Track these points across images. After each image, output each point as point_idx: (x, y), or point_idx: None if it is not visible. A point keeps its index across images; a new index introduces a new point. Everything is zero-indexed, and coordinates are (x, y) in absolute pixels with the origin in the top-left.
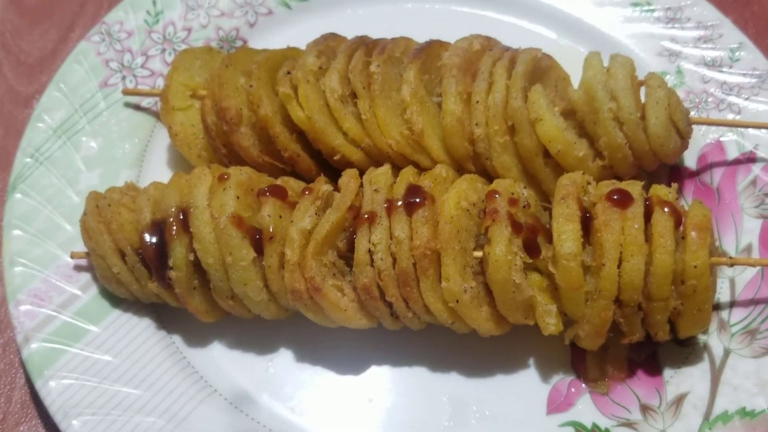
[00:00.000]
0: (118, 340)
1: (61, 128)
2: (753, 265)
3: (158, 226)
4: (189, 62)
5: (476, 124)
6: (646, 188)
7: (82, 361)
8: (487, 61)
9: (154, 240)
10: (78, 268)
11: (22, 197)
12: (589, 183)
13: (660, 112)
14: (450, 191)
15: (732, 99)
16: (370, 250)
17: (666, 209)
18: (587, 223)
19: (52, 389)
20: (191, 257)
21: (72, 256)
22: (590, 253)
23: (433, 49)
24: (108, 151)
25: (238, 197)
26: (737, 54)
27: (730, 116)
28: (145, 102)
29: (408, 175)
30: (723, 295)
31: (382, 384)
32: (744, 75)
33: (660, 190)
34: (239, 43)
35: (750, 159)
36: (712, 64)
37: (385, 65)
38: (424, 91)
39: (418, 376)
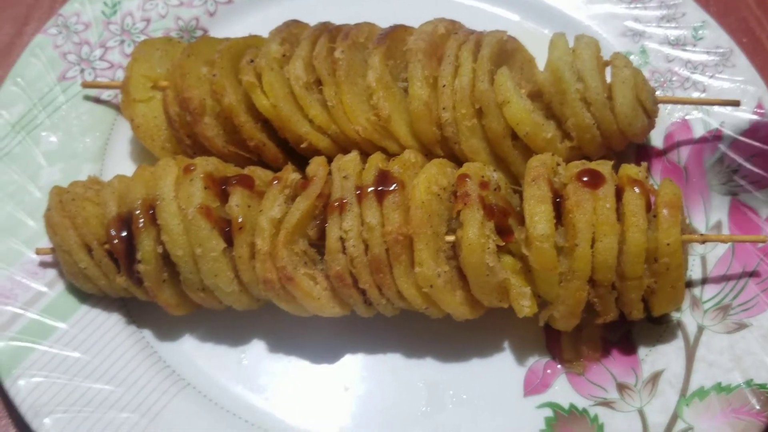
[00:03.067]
0: (87, 336)
1: (19, 123)
2: (724, 242)
3: (124, 220)
4: (149, 53)
5: (443, 109)
6: (615, 168)
7: (51, 358)
8: (453, 45)
9: (120, 234)
10: (43, 265)
11: None
12: (558, 164)
13: (626, 91)
14: (420, 176)
15: (696, 77)
16: (341, 238)
17: (636, 188)
18: (558, 205)
19: (22, 388)
20: (159, 250)
21: (37, 253)
22: (562, 234)
23: (397, 33)
24: (69, 145)
25: (205, 187)
26: (700, 32)
27: (695, 94)
28: (105, 94)
29: (376, 161)
30: (695, 272)
31: (358, 372)
32: (707, 53)
33: (630, 170)
34: (199, 33)
35: (716, 137)
36: (676, 43)
37: (350, 51)
38: (389, 77)
39: (393, 362)
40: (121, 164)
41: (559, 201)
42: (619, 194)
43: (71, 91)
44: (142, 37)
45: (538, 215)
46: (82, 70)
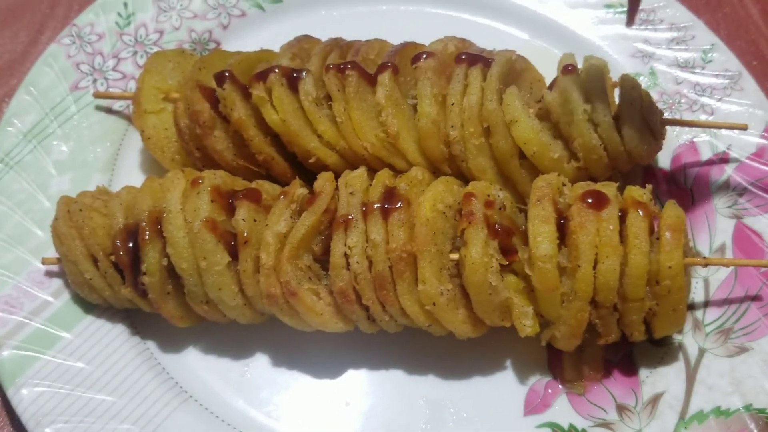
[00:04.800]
0: (91, 346)
1: (31, 132)
2: (726, 265)
3: (131, 231)
4: (161, 65)
5: (452, 127)
6: (621, 189)
7: (55, 368)
8: (462, 63)
9: (126, 245)
10: (49, 274)
11: None
12: (564, 184)
13: (634, 113)
14: (426, 193)
15: (705, 100)
16: (346, 254)
17: (640, 211)
18: (563, 225)
19: (24, 397)
20: (165, 262)
21: (43, 262)
22: (566, 254)
23: (407, 51)
24: (79, 155)
25: (212, 201)
26: (710, 55)
27: (703, 117)
28: (117, 105)
29: (384, 177)
30: (697, 295)
31: (359, 387)
32: (716, 76)
33: (634, 192)
34: (212, 46)
35: (723, 159)
36: (685, 66)
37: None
38: (399, 94)
39: (395, 378)
40: (131, 175)
41: (563, 222)
42: (623, 216)
43: (83, 101)
44: (155, 49)
45: (542, 235)
46: (94, 81)
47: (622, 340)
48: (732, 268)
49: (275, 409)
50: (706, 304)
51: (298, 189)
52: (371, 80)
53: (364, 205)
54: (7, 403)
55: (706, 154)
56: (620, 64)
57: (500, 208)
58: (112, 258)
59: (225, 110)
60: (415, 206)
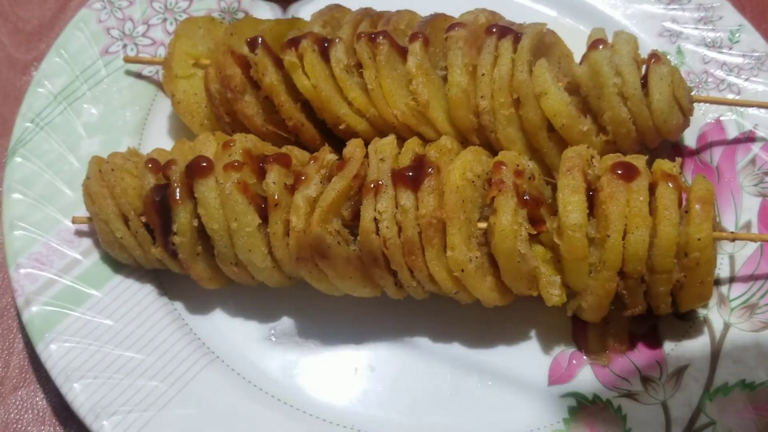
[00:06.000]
0: (120, 305)
1: (61, 94)
2: (754, 240)
3: (162, 192)
4: (192, 31)
5: (481, 97)
6: (649, 164)
7: (84, 325)
8: (493, 35)
9: (158, 205)
10: (79, 233)
11: (23, 161)
12: (593, 156)
13: (663, 87)
14: (455, 162)
15: (732, 79)
16: (375, 219)
17: (670, 183)
18: (591, 196)
19: (53, 352)
20: (195, 223)
21: (73, 221)
22: (594, 225)
23: (438, 22)
24: (109, 118)
25: (243, 163)
26: (737, 36)
27: (730, 96)
28: (146, 70)
29: (413, 145)
30: (723, 270)
31: (385, 353)
32: (743, 56)
33: (664, 165)
34: (240, 15)
35: (749, 138)
36: (713, 45)
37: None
38: (429, 64)
39: (420, 345)
40: (159, 139)
41: (592, 193)
42: (652, 188)
43: (113, 66)
44: (185, 16)
45: (572, 204)
46: (124, 46)
47: (646, 314)
48: (758, 244)
49: (300, 371)
50: (732, 279)
51: (328, 155)
52: (402, 52)
53: (394, 172)
54: (35, 360)
55: (732, 133)
56: (648, 43)
57: (529, 178)
58: (143, 218)
59: (256, 75)
60: (445, 174)
